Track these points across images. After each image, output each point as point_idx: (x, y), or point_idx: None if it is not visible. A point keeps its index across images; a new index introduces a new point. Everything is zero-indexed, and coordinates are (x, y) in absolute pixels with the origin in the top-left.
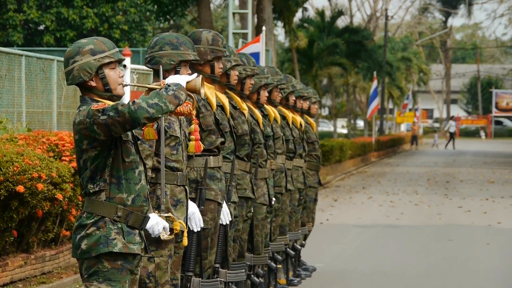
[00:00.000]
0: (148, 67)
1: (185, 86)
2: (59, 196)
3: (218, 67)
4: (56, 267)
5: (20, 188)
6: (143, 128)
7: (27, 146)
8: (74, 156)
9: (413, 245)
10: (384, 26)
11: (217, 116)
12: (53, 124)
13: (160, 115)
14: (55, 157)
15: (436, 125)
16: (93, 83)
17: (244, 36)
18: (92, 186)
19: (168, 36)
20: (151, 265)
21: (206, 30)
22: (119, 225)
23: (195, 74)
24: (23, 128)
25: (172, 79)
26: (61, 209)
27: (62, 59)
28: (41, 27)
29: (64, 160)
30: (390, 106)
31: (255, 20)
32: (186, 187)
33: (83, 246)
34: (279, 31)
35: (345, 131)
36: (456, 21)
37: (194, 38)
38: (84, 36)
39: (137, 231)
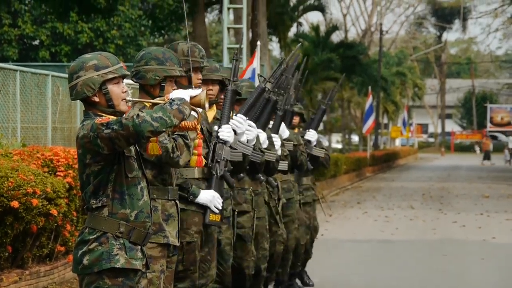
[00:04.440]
0: (134, 81)
1: (189, 101)
2: (54, 211)
3: (196, 78)
4: (50, 283)
5: (15, 204)
6: (147, 143)
7: (22, 161)
8: (69, 171)
9: (408, 260)
10: (378, 41)
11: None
12: (48, 139)
13: (164, 129)
14: (50, 172)
15: (431, 140)
16: (96, 99)
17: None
18: (94, 202)
19: (155, 51)
20: (144, 280)
21: (184, 42)
22: (122, 241)
23: (200, 89)
24: (17, 144)
25: (176, 93)
26: (55, 224)
27: (57, 74)
28: (36, 42)
29: (58, 175)
30: (385, 121)
31: (250, 35)
32: (177, 201)
33: (85, 261)
34: (274, 46)
35: (340, 146)
36: (451, 35)
37: (172, 50)
38: (79, 51)
39: (139, 247)
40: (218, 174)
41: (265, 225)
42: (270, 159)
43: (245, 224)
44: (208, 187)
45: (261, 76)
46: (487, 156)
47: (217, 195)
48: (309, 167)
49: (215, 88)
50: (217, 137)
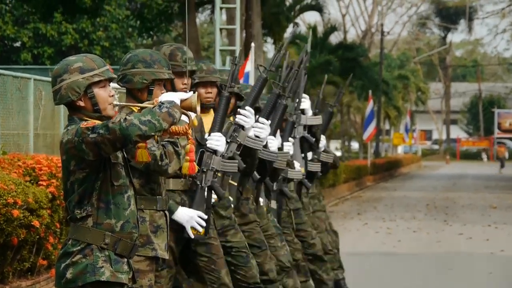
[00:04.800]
0: (120, 86)
1: (179, 104)
2: (36, 223)
3: (181, 83)
4: None
5: None
6: (135, 150)
7: (2, 170)
8: (52, 180)
9: (411, 274)
10: (379, 43)
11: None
12: (29, 146)
13: (153, 133)
14: (32, 181)
15: (435, 147)
16: (81, 103)
17: (232, 53)
18: (79, 211)
19: (142, 53)
20: None
21: (168, 44)
22: (107, 253)
23: (191, 92)
24: None
25: (165, 96)
26: (37, 237)
27: (39, 77)
28: (18, 44)
29: (41, 184)
30: (387, 127)
31: (244, 36)
32: (166, 212)
33: (68, 275)
34: (269, 48)
35: (339, 153)
36: (456, 37)
37: None
38: (63, 53)
39: (126, 259)
40: (203, 185)
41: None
42: (280, 166)
43: (254, 231)
44: (191, 200)
45: (274, 81)
46: (502, 164)
47: (196, 214)
48: (318, 175)
49: (214, 91)
50: (205, 145)
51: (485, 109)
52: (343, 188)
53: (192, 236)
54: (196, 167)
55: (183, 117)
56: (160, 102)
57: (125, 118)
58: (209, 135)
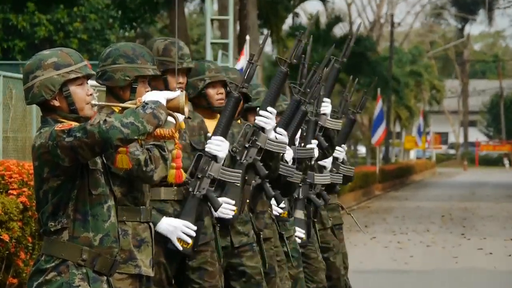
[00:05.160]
0: (100, 83)
1: (165, 104)
2: (5, 236)
3: (175, 81)
4: None
5: None
6: (115, 155)
7: None
8: (23, 189)
9: None
10: (389, 35)
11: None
12: None
13: (136, 137)
14: (1, 190)
15: (452, 151)
16: (56, 103)
17: (224, 46)
18: (53, 224)
19: (123, 47)
20: None
21: (162, 38)
22: (84, 270)
23: (178, 91)
24: None
25: (150, 95)
26: (7, 252)
27: (9, 74)
28: None
29: (11, 194)
30: (397, 129)
31: (238, 28)
32: (151, 224)
33: None
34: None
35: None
36: (475, 28)
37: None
38: (35, 47)
39: (105, 277)
40: (196, 193)
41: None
42: (295, 181)
43: (266, 253)
44: (181, 210)
45: (294, 86)
46: None
47: (182, 224)
48: (336, 189)
49: (224, 92)
50: (203, 149)
51: (507, 109)
52: (349, 198)
53: (180, 248)
54: (184, 175)
55: (170, 119)
56: (144, 102)
57: (105, 120)
58: (209, 138)
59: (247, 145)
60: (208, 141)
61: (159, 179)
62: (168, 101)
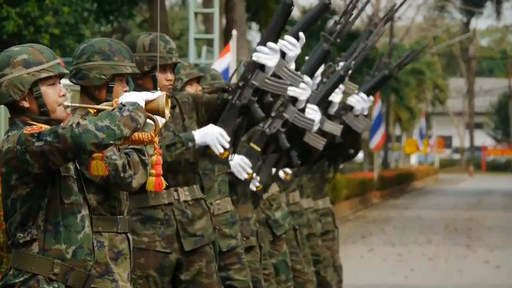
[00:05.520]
0: (74, 83)
1: (144, 106)
2: None
3: (165, 79)
4: None
5: None
6: (90, 161)
7: None
8: None
9: None
10: (389, 30)
11: None
12: None
13: (112, 141)
14: None
15: (456, 156)
16: (25, 104)
17: (209, 42)
18: (22, 235)
19: (99, 43)
20: None
21: (145, 33)
22: (56, 285)
23: (158, 92)
24: None
25: (128, 97)
26: None
27: None
28: None
29: None
30: (397, 132)
31: (224, 22)
32: (129, 234)
33: None
34: (254, 36)
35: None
36: (481, 23)
37: (129, 45)
38: (4, 43)
39: None
40: (235, 102)
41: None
42: (317, 146)
43: (251, 265)
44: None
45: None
46: None
47: (218, 132)
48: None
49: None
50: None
51: None
52: (345, 206)
53: (221, 151)
54: (164, 183)
55: (148, 121)
56: (121, 103)
57: (78, 123)
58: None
59: (273, 115)
60: (257, 48)
61: (138, 186)
62: (147, 102)
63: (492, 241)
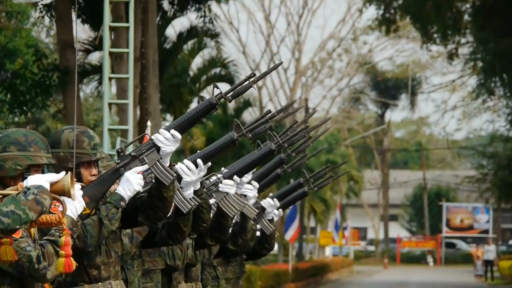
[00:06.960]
0: None
1: (49, 188)
2: None
3: (90, 174)
4: None
5: None
6: None
7: None
8: None
9: None
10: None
11: None
12: None
13: (17, 226)
14: None
15: (371, 248)
16: None
17: (124, 133)
18: None
19: (15, 134)
20: None
21: (69, 128)
22: None
23: (63, 173)
24: None
25: (32, 180)
26: None
27: None
28: None
29: None
30: (312, 224)
31: (138, 113)
32: None
33: None
34: None
35: None
36: (396, 114)
37: (53, 140)
38: None
39: None
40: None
41: None
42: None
43: None
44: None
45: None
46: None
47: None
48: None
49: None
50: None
51: (431, 203)
52: None
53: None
54: (74, 264)
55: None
56: (26, 187)
57: None
58: None
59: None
60: (160, 130)
61: (52, 277)
62: (52, 184)
63: None
